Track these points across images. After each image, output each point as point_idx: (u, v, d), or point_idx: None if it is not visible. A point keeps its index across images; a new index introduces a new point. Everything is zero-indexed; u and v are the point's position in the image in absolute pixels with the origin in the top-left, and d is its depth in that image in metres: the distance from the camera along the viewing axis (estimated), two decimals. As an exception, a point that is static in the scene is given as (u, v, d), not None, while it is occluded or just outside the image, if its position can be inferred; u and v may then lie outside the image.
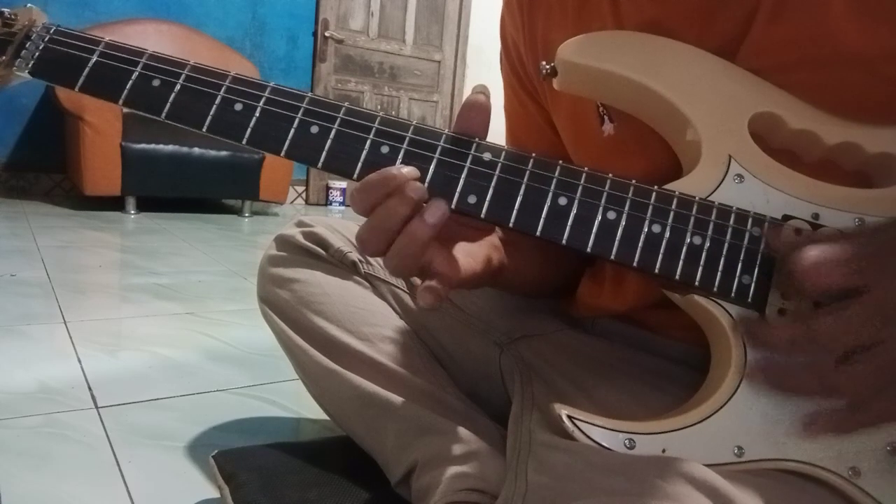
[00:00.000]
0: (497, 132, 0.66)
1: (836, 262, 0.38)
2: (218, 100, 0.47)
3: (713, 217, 0.44)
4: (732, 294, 0.43)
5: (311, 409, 0.96)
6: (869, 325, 0.37)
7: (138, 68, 0.48)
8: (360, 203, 0.44)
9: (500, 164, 0.45)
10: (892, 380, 0.38)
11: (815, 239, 0.41)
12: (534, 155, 0.46)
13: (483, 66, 4.13)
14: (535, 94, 0.65)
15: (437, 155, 0.45)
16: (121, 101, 0.48)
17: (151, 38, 2.99)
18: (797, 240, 0.42)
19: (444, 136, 0.46)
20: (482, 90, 0.46)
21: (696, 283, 0.43)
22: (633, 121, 0.51)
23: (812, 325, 0.38)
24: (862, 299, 0.37)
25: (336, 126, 0.46)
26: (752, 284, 0.43)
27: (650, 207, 0.44)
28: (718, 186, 0.45)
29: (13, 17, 0.49)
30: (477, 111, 0.46)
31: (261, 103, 0.47)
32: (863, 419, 0.40)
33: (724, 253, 0.43)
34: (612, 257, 0.44)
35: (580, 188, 0.45)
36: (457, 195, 0.45)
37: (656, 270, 0.44)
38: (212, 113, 0.47)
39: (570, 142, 0.62)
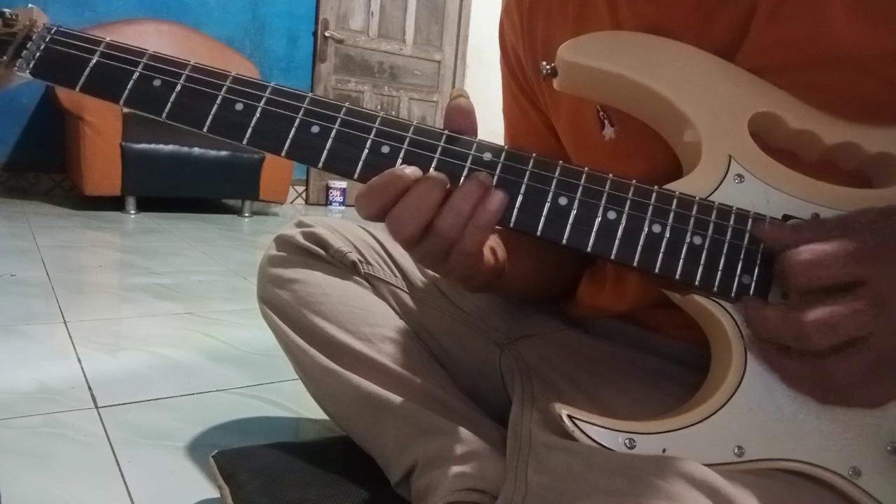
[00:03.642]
0: (497, 133, 0.66)
1: (830, 259, 0.38)
2: (219, 100, 0.47)
3: (713, 217, 0.44)
4: (732, 294, 0.43)
5: (311, 409, 0.96)
6: (858, 319, 0.37)
7: (139, 69, 0.48)
8: (366, 207, 0.44)
9: (500, 165, 0.45)
10: (881, 369, 0.38)
11: (811, 234, 0.41)
12: (534, 155, 0.46)
13: (483, 66, 4.13)
14: (534, 99, 0.65)
15: (437, 155, 0.45)
16: (122, 102, 0.48)
17: (151, 37, 2.99)
18: (793, 234, 0.41)
19: (444, 136, 0.46)
20: (461, 93, 0.46)
21: (697, 283, 0.43)
22: (633, 124, 0.51)
23: (800, 320, 0.38)
24: (855, 293, 0.38)
25: (337, 126, 0.46)
26: (752, 284, 0.43)
27: (650, 207, 0.44)
28: (718, 186, 0.45)
29: (14, 17, 0.49)
30: (462, 115, 0.46)
31: (261, 103, 0.47)
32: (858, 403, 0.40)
33: (725, 253, 0.43)
34: (613, 257, 0.44)
35: (580, 188, 0.45)
36: (457, 195, 0.45)
37: (656, 270, 0.44)
38: (212, 113, 0.47)
39: (571, 146, 0.62)
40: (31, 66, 0.49)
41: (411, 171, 0.44)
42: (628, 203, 0.44)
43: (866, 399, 0.40)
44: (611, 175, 0.45)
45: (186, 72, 0.48)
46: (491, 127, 0.85)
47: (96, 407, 0.96)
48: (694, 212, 0.44)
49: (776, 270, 0.42)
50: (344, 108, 0.47)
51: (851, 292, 0.38)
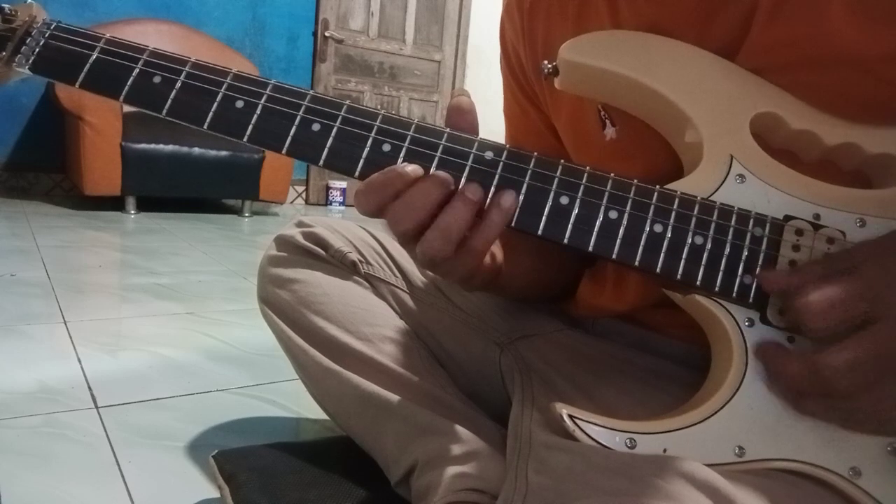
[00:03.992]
0: (497, 133, 0.66)
1: (840, 303, 0.38)
2: (219, 97, 0.47)
3: (715, 217, 0.44)
4: (734, 294, 0.43)
5: (311, 409, 0.96)
6: (879, 360, 0.37)
7: (139, 65, 0.48)
8: (365, 204, 0.44)
9: (501, 164, 0.45)
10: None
11: (815, 274, 0.40)
12: (535, 154, 0.46)
13: (483, 66, 4.13)
14: (535, 99, 0.65)
15: (438, 153, 0.45)
16: (121, 98, 0.48)
17: (151, 38, 2.98)
18: (797, 279, 0.41)
19: (445, 134, 0.46)
20: (462, 92, 0.47)
21: (698, 283, 0.43)
22: (634, 124, 0.51)
23: (824, 369, 0.38)
24: (869, 333, 0.38)
25: (338, 124, 0.46)
26: (754, 285, 0.43)
27: (652, 207, 0.44)
28: (720, 186, 0.45)
29: (13, 13, 0.49)
30: (464, 114, 0.46)
31: (262, 101, 0.47)
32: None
33: (726, 253, 0.43)
34: (614, 257, 0.44)
35: (582, 187, 0.45)
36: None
37: (658, 270, 0.44)
38: (213, 110, 0.47)
39: (572, 145, 0.62)
40: (30, 61, 0.48)
41: (412, 168, 0.44)
42: (630, 203, 0.44)
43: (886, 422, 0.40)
44: (612, 175, 0.45)
45: (187, 69, 0.48)
46: (491, 127, 0.85)
47: (96, 407, 0.96)
48: (695, 212, 0.44)
49: (784, 307, 0.42)
50: (345, 106, 0.47)
51: (867, 331, 0.38)
